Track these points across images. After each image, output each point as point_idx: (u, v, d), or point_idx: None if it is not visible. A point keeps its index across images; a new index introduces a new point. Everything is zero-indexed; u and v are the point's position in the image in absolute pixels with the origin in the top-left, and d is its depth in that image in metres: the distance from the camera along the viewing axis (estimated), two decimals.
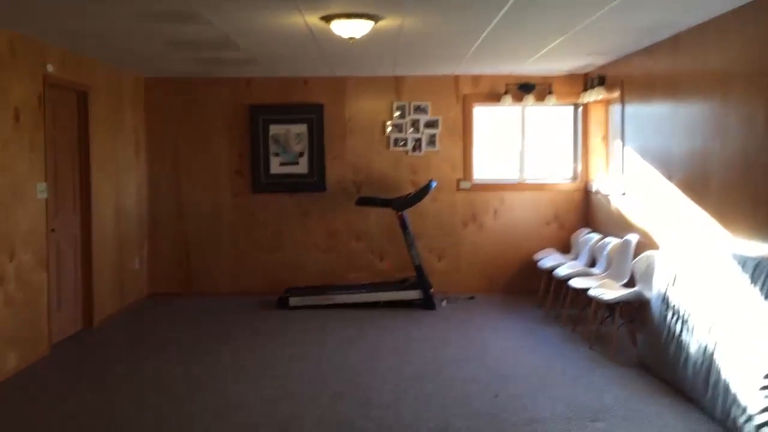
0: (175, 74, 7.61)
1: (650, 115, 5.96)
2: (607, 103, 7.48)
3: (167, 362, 5.45)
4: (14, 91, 5.20)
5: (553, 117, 8.13)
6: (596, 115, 7.68)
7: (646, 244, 5.91)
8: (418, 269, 7.20)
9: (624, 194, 6.56)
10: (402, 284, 7.41)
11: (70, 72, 6.10)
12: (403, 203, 7.24)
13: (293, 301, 7.19)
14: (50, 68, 5.70)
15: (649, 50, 5.93)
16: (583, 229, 7.60)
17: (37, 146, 5.53)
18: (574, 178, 8.02)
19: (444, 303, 7.37)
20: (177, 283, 7.95)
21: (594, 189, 7.53)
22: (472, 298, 7.66)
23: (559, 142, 8.13)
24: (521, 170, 8.06)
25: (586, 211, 7.84)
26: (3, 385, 4.95)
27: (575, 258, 7.25)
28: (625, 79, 6.53)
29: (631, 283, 5.73)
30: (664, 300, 4.96)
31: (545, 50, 6.13)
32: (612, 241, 6.39)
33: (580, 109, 7.89)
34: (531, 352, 5.59)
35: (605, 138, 7.62)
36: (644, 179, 6.08)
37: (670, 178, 5.55)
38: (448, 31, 5.38)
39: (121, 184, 7.19)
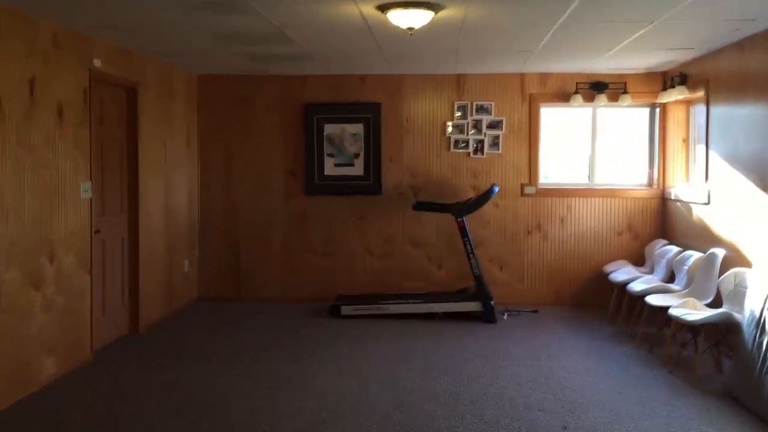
0: (228, 71, 7.36)
1: (741, 117, 5.36)
2: (689, 103, 6.89)
3: (211, 371, 5.16)
4: (58, 86, 5.00)
5: (626, 118, 7.54)
6: (676, 117, 7.09)
7: (734, 259, 5.32)
8: (478, 279, 6.74)
9: (708, 203, 5.96)
10: (460, 295, 6.97)
11: (119, 67, 5.89)
12: (463, 209, 6.80)
13: (345, 309, 6.83)
14: (97, 63, 5.48)
15: (741, 44, 5.33)
16: (659, 240, 7.00)
17: (82, 143, 5.32)
18: (650, 184, 7.42)
19: (505, 316, 6.89)
20: (227, 288, 7.70)
21: (672, 196, 6.92)
22: (535, 311, 7.15)
23: (632, 146, 7.54)
24: (591, 175, 7.50)
25: (663, 220, 7.23)
26: (41, 392, 4.73)
27: (651, 272, 6.66)
28: (710, 77, 5.93)
29: (716, 303, 5.16)
30: (759, 324, 4.38)
31: (623, 44, 5.60)
32: (694, 255, 5.80)
33: (658, 109, 7.29)
34: (603, 376, 5.08)
35: (686, 141, 7.02)
36: (733, 188, 5.48)
37: (765, 187, 4.95)
38: (515, 22, 4.92)
39: (171, 184, 6.97)
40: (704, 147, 6.06)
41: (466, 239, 6.77)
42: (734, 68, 5.49)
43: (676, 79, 6.55)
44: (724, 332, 5.02)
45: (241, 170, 7.64)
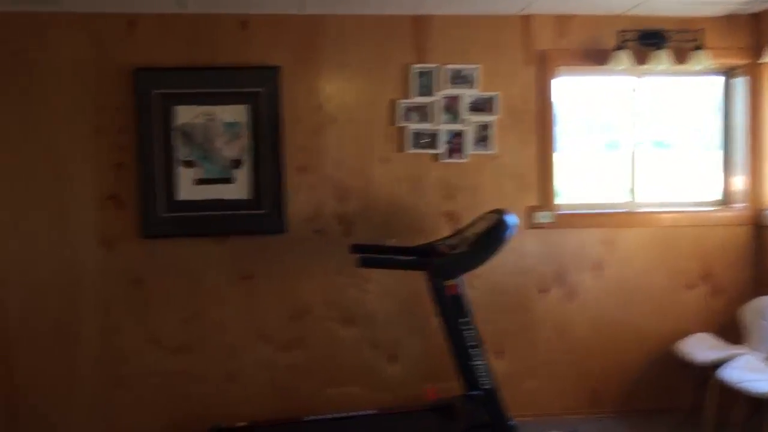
0: None
1: None
2: None
3: None
4: None
5: (691, 93, 4.63)
6: None
7: None
8: (490, 397, 3.51)
9: None
10: (449, 421, 3.70)
11: None
12: (455, 261, 3.52)
13: None
14: None
15: None
16: (764, 297, 4.09)
17: None
18: (727, 201, 4.54)
19: None
20: None
21: None
22: None
23: (705, 138, 4.65)
24: (632, 189, 4.52)
25: (762, 263, 4.35)
26: None
27: None
28: None
29: None
30: None
31: None
32: None
33: (742, 79, 4.42)
34: None
35: None
36: None
37: None
38: None
39: None
40: None
41: (462, 320, 3.51)
42: None
43: None
44: None
45: (11, 197, 3.95)
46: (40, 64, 3.93)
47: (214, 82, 4.04)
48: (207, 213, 4.07)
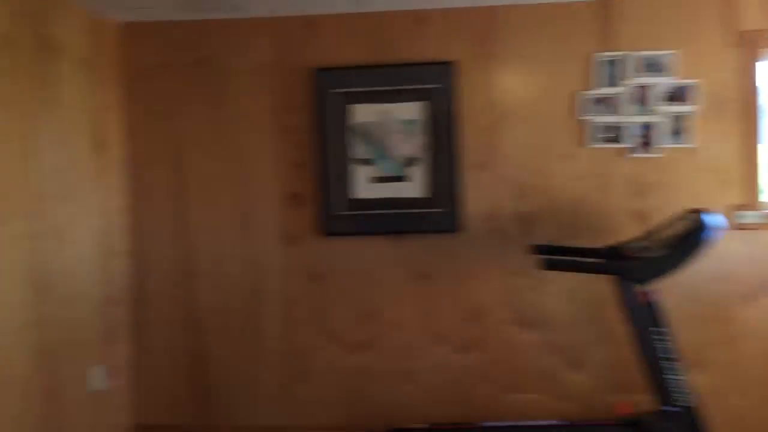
0: (180, 15, 3.96)
1: None
2: None
3: None
4: None
5: None
6: None
7: None
8: (689, 415, 3.18)
9: None
10: None
11: None
12: (650, 266, 3.22)
13: None
14: None
15: None
16: None
17: None
18: None
19: None
20: (184, 409, 4.22)
21: None
22: None
23: None
24: None
25: None
26: None
27: None
28: None
29: None
30: None
31: None
32: None
33: None
34: None
35: None
36: None
37: None
38: None
39: (51, 229, 3.53)
40: None
41: (656, 330, 3.21)
42: None
43: None
44: None
45: (203, 195, 4.18)
46: (227, 68, 4.12)
47: (390, 80, 4.01)
48: (383, 211, 4.06)
